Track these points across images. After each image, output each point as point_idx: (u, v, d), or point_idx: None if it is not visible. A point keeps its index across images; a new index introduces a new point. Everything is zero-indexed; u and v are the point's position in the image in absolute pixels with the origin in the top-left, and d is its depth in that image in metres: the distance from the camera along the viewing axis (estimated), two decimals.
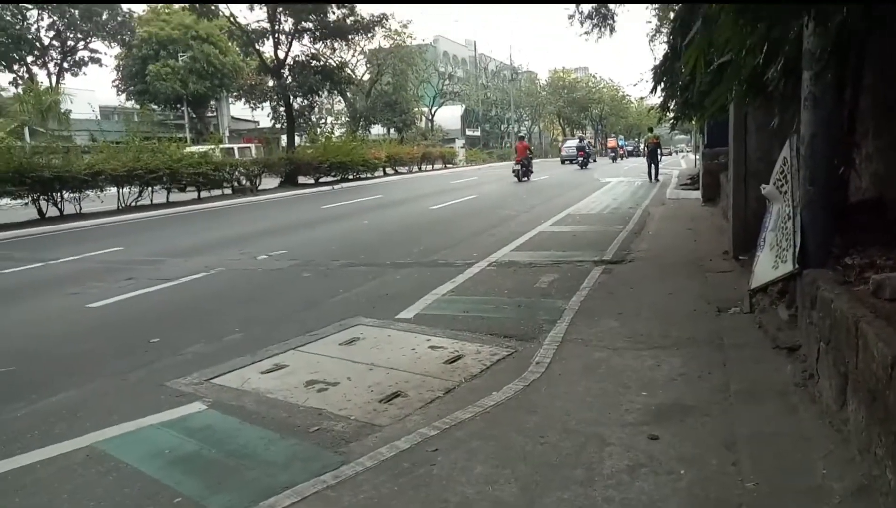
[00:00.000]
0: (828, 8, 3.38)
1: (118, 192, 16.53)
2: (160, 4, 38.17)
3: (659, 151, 23.36)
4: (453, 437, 3.28)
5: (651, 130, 24.24)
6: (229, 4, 24.12)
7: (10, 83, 37.80)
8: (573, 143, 42.96)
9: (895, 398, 2.18)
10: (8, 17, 36.91)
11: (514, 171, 25.32)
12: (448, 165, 40.73)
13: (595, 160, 41.75)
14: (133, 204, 16.73)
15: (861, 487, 2.51)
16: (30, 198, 14.49)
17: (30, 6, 37.25)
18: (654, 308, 5.53)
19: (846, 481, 2.58)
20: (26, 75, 38.46)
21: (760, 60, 4.30)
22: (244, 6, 24.50)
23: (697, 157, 21.00)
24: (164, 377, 4.40)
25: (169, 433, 3.52)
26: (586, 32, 15.27)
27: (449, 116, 59.25)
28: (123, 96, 41.42)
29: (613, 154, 48.08)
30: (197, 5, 22.94)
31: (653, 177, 22.09)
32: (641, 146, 44.03)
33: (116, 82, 41.08)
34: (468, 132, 62.58)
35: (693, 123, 15.00)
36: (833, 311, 3.09)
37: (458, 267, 7.85)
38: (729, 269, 6.77)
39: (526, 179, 24.87)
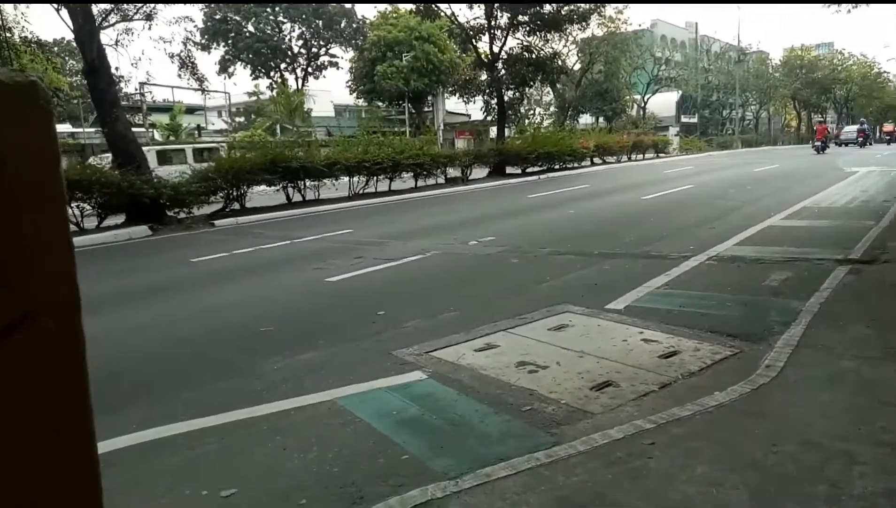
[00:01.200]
0: None
1: (349, 180, 18.40)
2: (387, 6, 41.57)
3: None
4: (670, 433, 3.13)
5: None
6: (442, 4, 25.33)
7: (267, 87, 44.09)
8: (852, 128, 47.23)
9: None
10: (268, 31, 43.07)
11: (814, 146, 35.23)
12: (661, 155, 38.51)
13: (871, 143, 44.05)
14: (361, 191, 18.50)
15: None
16: (280, 185, 16.77)
17: (284, 21, 43.03)
18: None
19: None
20: (279, 80, 44.49)
21: None
22: (464, 7, 25.55)
23: None
24: (390, 347, 4.83)
25: (396, 397, 3.86)
26: (836, 1, 13.38)
27: (663, 102, 55.92)
28: (354, 95, 45.97)
29: (890, 137, 47.42)
30: (422, 8, 24.50)
31: None
32: None
33: (349, 83, 45.74)
34: (683, 119, 58.48)
35: None
36: None
37: (674, 260, 7.43)
38: None
39: (823, 152, 33.42)
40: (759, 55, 63.45)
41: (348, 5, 23.11)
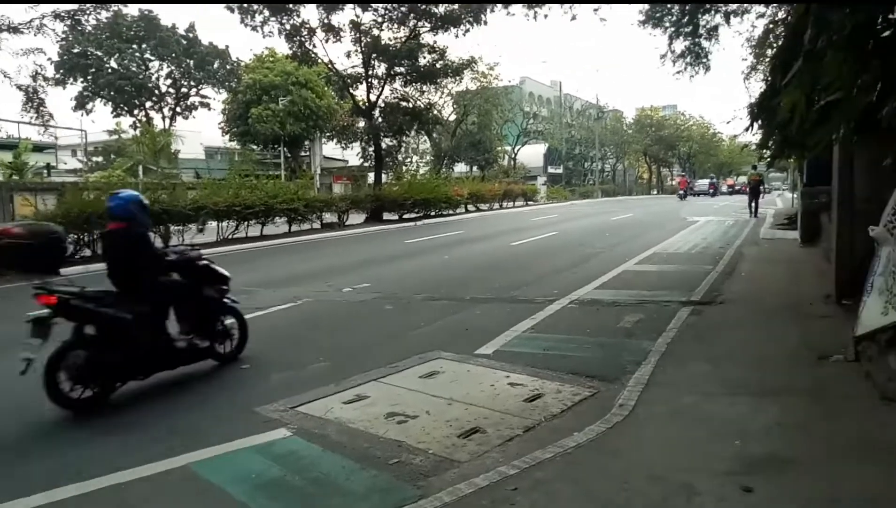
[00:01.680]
0: None
1: (217, 225, 17.61)
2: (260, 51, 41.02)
3: (762, 188, 25.73)
4: (533, 477, 3.21)
5: (755, 167, 27.29)
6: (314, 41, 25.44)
7: (130, 126, 41.46)
8: (704, 181, 56.42)
9: None
10: (133, 68, 40.75)
11: (678, 194, 44.12)
12: (529, 203, 40.66)
13: (717, 194, 51.53)
14: (230, 237, 17.74)
15: None
16: None
17: (152, 59, 41.02)
18: (748, 353, 5.24)
19: None
20: (144, 119, 42.09)
21: (874, 98, 4.08)
22: (341, 54, 25.75)
23: (795, 195, 19.93)
24: (253, 403, 4.58)
25: (256, 458, 3.65)
26: (678, 72, 15.00)
27: (532, 153, 59.33)
28: (227, 137, 44.44)
29: (731, 190, 55.67)
30: (299, 53, 24.38)
31: (754, 212, 23.03)
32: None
33: (221, 124, 44.20)
34: (550, 170, 62.34)
35: (791, 161, 14.28)
36: None
37: (539, 304, 7.78)
38: (831, 314, 6.34)
39: (685, 199, 39.93)
40: (615, 113, 69.59)
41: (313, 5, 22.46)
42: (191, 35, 41.60)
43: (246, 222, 18.07)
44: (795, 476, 3.07)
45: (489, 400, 4.49)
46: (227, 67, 43.12)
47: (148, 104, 42.66)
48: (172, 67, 42.47)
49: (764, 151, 9.19)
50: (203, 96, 44.43)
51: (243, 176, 21.04)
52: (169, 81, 43.17)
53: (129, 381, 4.81)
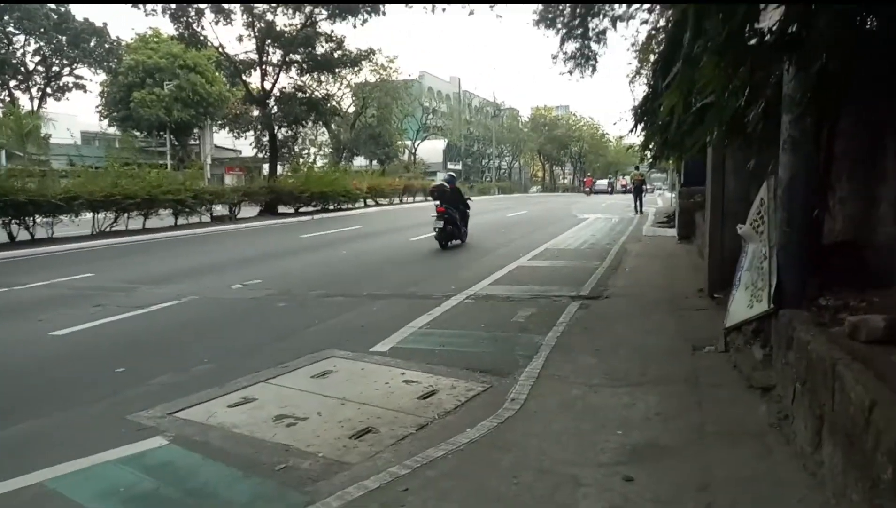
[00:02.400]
0: (809, 53, 3.45)
1: (93, 217, 16.27)
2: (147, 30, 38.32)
3: (644, 187, 28.52)
4: (424, 476, 3.17)
5: (637, 168, 29.31)
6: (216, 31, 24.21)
7: None
8: (604, 181, 60.99)
9: (874, 442, 2.14)
10: None
11: (584, 191, 52.86)
12: (429, 198, 40.93)
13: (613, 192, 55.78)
14: (108, 229, 16.46)
15: None
16: (0, 222, 14.18)
17: (16, 32, 37.15)
18: (630, 345, 5.50)
19: None
20: (7, 99, 38.13)
21: (742, 103, 4.37)
22: (233, 38, 24.64)
23: (674, 195, 21.35)
24: (127, 410, 4.23)
25: (125, 470, 3.36)
26: (569, 72, 15.56)
27: (431, 149, 59.75)
28: (106, 122, 41.16)
29: (625, 189, 60.24)
30: (186, 35, 22.91)
31: (638, 209, 25.30)
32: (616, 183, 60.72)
33: (100, 108, 40.88)
34: (450, 166, 63.07)
35: (670, 162, 15.23)
36: (809, 353, 3.07)
37: (436, 299, 7.78)
38: (704, 307, 6.80)
39: (590, 196, 41.85)
40: (511, 112, 71.50)
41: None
42: (62, 9, 38.02)
43: (126, 214, 16.84)
44: (672, 463, 3.23)
45: (383, 399, 4.41)
46: (106, 45, 39.94)
47: (12, 83, 38.70)
48: (41, 43, 38.70)
49: (646, 151, 9.73)
50: (78, 77, 40.98)
51: (124, 165, 19.57)
52: (37, 59, 39.35)
53: None
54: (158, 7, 21.13)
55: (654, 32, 14.62)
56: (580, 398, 4.24)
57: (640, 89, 18.13)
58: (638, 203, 25.85)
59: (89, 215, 16.23)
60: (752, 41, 3.44)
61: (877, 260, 4.45)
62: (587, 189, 56.46)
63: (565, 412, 3.98)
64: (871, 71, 4.27)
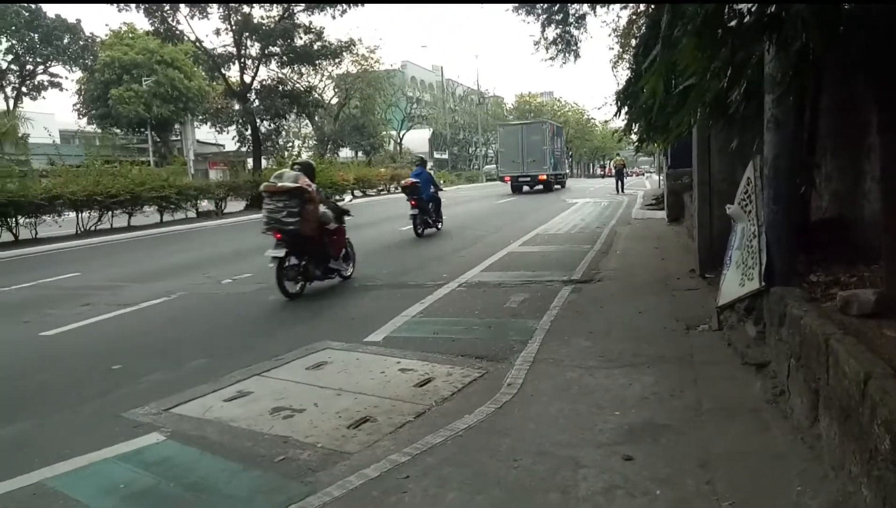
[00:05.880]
0: (788, 33, 3.45)
1: (77, 216, 16.08)
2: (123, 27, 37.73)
3: (625, 171, 31.20)
4: (424, 463, 3.17)
5: (618, 154, 32.85)
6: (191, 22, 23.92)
7: None
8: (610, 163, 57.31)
9: (869, 415, 2.17)
10: None
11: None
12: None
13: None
14: (92, 228, 16.27)
15: (836, 504, 2.49)
16: None
17: None
18: (624, 327, 5.53)
19: (821, 498, 2.56)
20: None
21: (724, 84, 4.38)
22: (210, 31, 24.31)
23: (661, 177, 21.46)
24: (121, 408, 4.19)
25: (124, 467, 3.33)
26: (551, 58, 15.51)
27: (417, 138, 59.57)
28: (84, 120, 40.56)
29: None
30: (161, 30, 22.55)
31: (620, 190, 28.10)
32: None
33: (77, 106, 40.26)
34: (436, 155, 62.93)
35: (657, 145, 15.27)
36: (802, 328, 3.10)
37: (428, 288, 7.77)
38: (696, 287, 6.84)
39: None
40: (495, 99, 71.40)
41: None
42: (33, 7, 37.20)
43: (110, 212, 16.64)
44: (670, 441, 3.25)
45: (380, 388, 4.40)
46: (80, 42, 39.18)
47: None
48: (14, 42, 37.92)
49: (632, 135, 9.75)
50: (53, 75, 40.19)
51: (106, 162, 19.33)
52: (10, 57, 38.58)
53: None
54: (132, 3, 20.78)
55: (634, 17, 14.64)
56: (576, 380, 4.26)
57: (624, 74, 18.15)
58: (620, 185, 28.99)
59: (73, 214, 16.03)
60: (732, 22, 3.44)
61: (864, 235, 4.51)
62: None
63: (562, 395, 4.00)
64: (850, 49, 4.29)
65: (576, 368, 4.50)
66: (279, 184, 7.40)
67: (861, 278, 3.82)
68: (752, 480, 2.80)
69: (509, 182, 31.71)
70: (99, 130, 40.19)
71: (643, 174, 50.78)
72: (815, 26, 3.19)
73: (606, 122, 37.93)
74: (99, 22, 65.45)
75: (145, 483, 3.16)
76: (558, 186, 33.88)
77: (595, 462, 3.06)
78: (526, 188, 31.37)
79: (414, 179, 13.57)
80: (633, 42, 13.15)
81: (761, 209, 4.38)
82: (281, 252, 7.40)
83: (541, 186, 31.43)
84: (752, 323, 4.60)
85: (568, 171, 47.32)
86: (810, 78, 4.65)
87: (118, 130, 40.03)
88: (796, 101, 4.40)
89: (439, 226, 14.26)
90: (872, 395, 2.17)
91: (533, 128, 33.26)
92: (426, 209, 13.63)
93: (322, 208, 8.13)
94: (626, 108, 8.41)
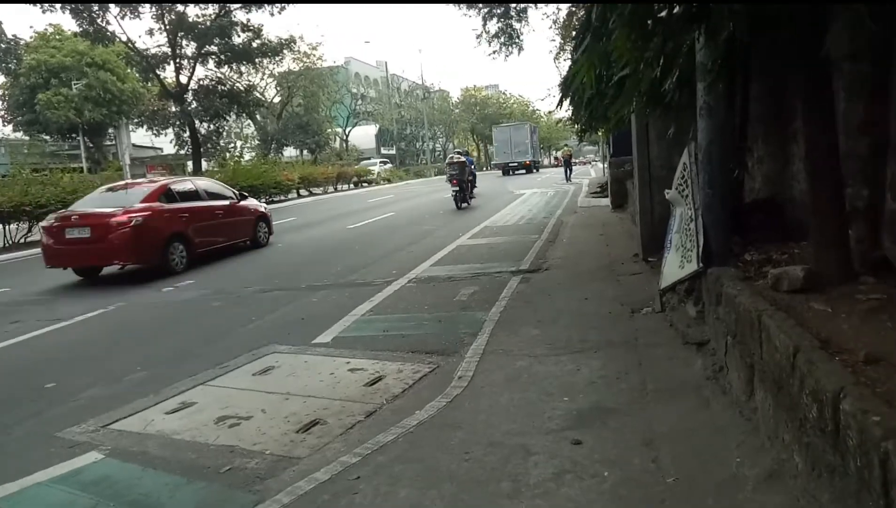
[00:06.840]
0: (716, 23, 3.54)
1: (3, 228, 15.27)
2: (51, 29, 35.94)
3: (572, 160, 35.06)
4: (376, 462, 3.14)
5: (566, 144, 36.84)
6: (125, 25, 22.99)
7: None
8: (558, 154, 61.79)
9: (799, 385, 2.25)
10: None
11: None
12: (364, 184, 40.41)
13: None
14: (22, 241, 15.48)
15: (772, 472, 2.58)
16: None
17: None
18: (571, 314, 5.61)
19: (758, 468, 2.65)
20: None
21: (657, 73, 4.48)
22: (143, 32, 23.46)
23: (605, 166, 21.90)
24: (56, 427, 4.00)
25: (60, 490, 3.17)
26: (494, 52, 15.60)
27: (363, 135, 59.06)
28: (10, 127, 38.52)
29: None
30: (90, 31, 21.59)
31: (568, 177, 30.74)
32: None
33: (1, 112, 38.18)
34: (383, 151, 62.53)
35: (599, 134, 15.55)
36: (737, 306, 3.20)
37: (377, 286, 7.71)
38: (640, 271, 7.00)
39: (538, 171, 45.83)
40: (441, 93, 71.36)
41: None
42: None
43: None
44: (617, 423, 3.31)
45: (329, 390, 4.34)
46: (3, 45, 37.14)
47: None
48: None
49: (575, 124, 9.91)
50: None
51: (33, 170, 18.39)
52: None
53: None
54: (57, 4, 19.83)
55: (574, 10, 14.85)
56: (525, 369, 4.29)
57: (565, 66, 18.40)
58: (568, 172, 31.78)
59: None
60: (662, 13, 3.51)
61: (794, 214, 4.69)
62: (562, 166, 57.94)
63: (512, 385, 4.02)
64: (776, 39, 4.44)
65: (525, 357, 4.54)
66: (455, 159, 18.44)
67: (792, 256, 3.97)
68: (695, 455, 2.87)
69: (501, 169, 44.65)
70: (26, 138, 38.24)
71: (588, 163, 51.85)
72: (741, 16, 3.29)
73: (551, 112, 39.05)
74: (23, 23, 62.13)
75: (83, 504, 3.02)
76: (534, 170, 45.43)
77: (545, 449, 3.08)
78: (520, 172, 42.99)
79: (464, 159, 18.84)
80: (574, 33, 13.35)
81: (697, 194, 4.50)
82: (457, 188, 17.73)
83: (523, 171, 43.46)
84: (692, 304, 4.74)
85: (540, 159, 58.58)
86: (739, 66, 4.80)
87: (47, 137, 38.17)
88: (727, 88, 4.53)
89: (470, 201, 19.01)
90: (801, 367, 2.25)
91: (518, 128, 47.03)
92: (465, 189, 18.30)
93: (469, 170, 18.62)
94: (569, 99, 8.53)
